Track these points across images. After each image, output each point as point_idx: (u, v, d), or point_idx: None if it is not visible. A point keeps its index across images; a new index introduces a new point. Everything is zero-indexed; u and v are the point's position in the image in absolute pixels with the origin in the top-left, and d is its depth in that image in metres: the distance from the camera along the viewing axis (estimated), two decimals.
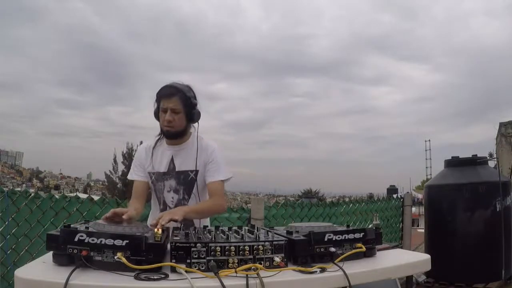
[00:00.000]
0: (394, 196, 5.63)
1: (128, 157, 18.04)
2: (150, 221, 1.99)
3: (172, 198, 1.98)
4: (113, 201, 3.19)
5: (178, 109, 1.87)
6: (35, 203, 2.74)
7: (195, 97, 1.94)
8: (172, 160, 1.97)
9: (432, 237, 4.03)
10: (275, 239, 1.23)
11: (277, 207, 3.87)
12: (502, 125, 11.82)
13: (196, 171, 1.95)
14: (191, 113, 1.91)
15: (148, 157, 2.00)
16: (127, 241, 1.11)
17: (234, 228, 1.42)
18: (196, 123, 1.97)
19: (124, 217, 1.56)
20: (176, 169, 1.96)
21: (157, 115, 1.94)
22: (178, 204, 1.96)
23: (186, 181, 1.96)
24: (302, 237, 1.29)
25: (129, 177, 2.05)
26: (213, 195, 1.93)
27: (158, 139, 2.02)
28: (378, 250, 1.48)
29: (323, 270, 1.19)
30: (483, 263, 3.56)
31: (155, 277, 1.05)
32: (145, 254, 1.11)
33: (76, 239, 1.11)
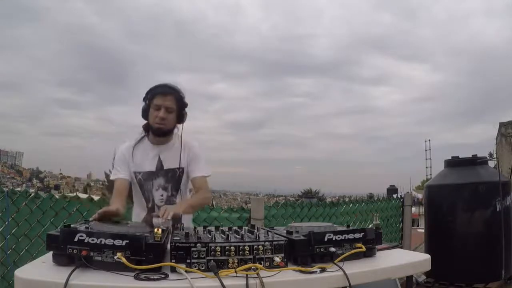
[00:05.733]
0: (394, 196, 5.62)
1: None
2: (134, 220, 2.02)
3: (162, 195, 2.02)
4: None
5: (172, 108, 1.92)
6: (35, 203, 2.74)
7: (185, 98, 2.00)
8: (159, 159, 2.01)
9: (432, 237, 4.02)
10: (275, 239, 1.23)
11: (277, 207, 3.86)
12: (502, 125, 11.81)
13: (182, 169, 2.03)
14: (181, 114, 1.98)
15: (131, 157, 2.01)
16: (127, 241, 1.11)
17: (234, 228, 1.42)
18: (181, 124, 2.02)
19: (116, 210, 1.62)
20: (164, 168, 2.01)
21: (146, 112, 1.96)
22: (167, 200, 2.02)
23: (174, 178, 2.03)
24: (302, 237, 1.29)
25: (113, 177, 2.02)
26: (200, 189, 2.01)
27: (141, 138, 2.04)
28: (378, 250, 1.48)
29: (323, 270, 1.20)
30: (483, 263, 3.56)
31: (155, 277, 1.06)
32: (145, 254, 1.11)
33: (76, 239, 1.11)
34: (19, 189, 3.31)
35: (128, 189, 2.03)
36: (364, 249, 1.36)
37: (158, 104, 1.90)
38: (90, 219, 1.45)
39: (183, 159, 2.01)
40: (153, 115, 1.93)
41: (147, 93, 1.95)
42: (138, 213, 2.07)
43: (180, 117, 1.99)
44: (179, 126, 2.03)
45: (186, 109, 2.01)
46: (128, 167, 2.01)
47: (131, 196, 2.13)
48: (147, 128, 2.01)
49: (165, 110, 1.90)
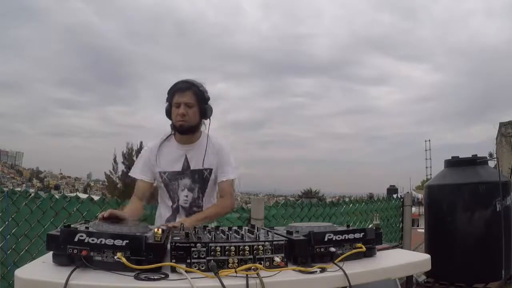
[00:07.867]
0: (394, 196, 5.62)
1: (128, 157, 18.00)
2: (158, 223, 2.01)
3: (186, 196, 2.00)
4: (113, 201, 3.18)
5: (192, 103, 1.90)
6: (35, 203, 2.73)
7: (207, 92, 1.97)
8: (186, 159, 1.99)
9: (432, 237, 4.02)
10: (275, 239, 1.23)
11: (277, 207, 3.86)
12: (502, 125, 11.84)
13: (210, 170, 2.00)
14: (204, 108, 1.94)
15: (155, 156, 2.00)
16: (127, 241, 1.11)
17: (234, 228, 1.41)
18: (208, 119, 2.00)
19: (122, 214, 1.57)
20: (191, 168, 1.99)
21: (169, 112, 1.95)
22: (192, 203, 2.00)
23: (201, 179, 2.00)
24: (302, 237, 1.29)
25: (133, 175, 2.04)
26: (222, 195, 1.99)
27: (166, 138, 2.03)
28: (378, 250, 1.48)
29: (323, 270, 1.19)
30: (483, 263, 3.56)
31: (155, 277, 1.05)
32: (145, 254, 1.11)
33: (76, 239, 1.11)
34: (19, 189, 3.31)
35: (150, 191, 2.04)
36: (364, 249, 1.36)
37: (177, 101, 1.90)
38: (97, 220, 1.45)
39: (209, 160, 1.98)
40: (174, 113, 1.92)
41: (168, 93, 1.94)
42: (162, 213, 2.06)
43: (203, 112, 1.95)
44: (206, 122, 2.01)
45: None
46: (151, 168, 2.01)
47: (156, 197, 2.14)
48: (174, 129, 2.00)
49: (184, 106, 1.88)
